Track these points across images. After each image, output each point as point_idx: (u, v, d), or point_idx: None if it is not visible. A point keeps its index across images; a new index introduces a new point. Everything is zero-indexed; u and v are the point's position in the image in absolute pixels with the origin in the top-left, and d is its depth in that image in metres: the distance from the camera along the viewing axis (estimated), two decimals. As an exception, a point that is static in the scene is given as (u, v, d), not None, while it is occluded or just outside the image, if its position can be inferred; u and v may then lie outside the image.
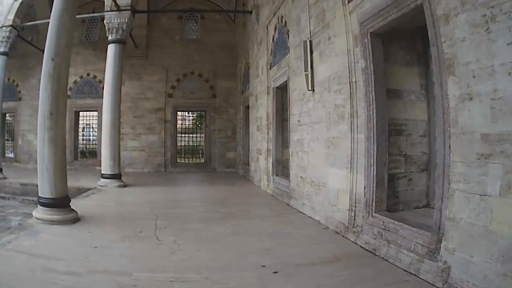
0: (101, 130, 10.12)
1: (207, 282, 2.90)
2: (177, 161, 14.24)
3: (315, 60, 5.26)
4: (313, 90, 5.33)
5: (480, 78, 2.44)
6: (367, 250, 3.66)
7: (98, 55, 12.64)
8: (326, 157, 4.89)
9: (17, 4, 10.70)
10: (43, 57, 4.95)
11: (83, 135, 14.83)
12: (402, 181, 3.97)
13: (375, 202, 3.73)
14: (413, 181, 4.04)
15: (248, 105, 10.96)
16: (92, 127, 14.84)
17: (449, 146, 2.70)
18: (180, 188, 9.72)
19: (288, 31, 6.71)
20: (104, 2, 9.40)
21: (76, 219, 4.87)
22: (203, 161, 14.40)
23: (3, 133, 14.11)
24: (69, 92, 12.76)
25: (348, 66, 4.22)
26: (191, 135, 15.25)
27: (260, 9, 9.26)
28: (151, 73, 13.75)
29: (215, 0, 13.75)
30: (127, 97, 13.03)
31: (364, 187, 3.87)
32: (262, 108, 8.83)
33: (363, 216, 3.88)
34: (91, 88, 13.69)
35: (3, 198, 9.49)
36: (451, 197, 2.66)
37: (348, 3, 4.24)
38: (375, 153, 3.74)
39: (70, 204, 4.99)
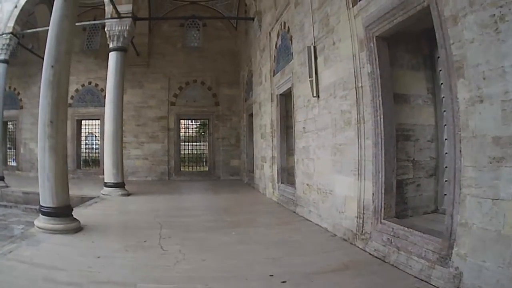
0: (103, 139, 10.09)
1: (213, 293, 2.82)
2: (181, 169, 14.20)
3: (320, 65, 5.22)
4: (318, 96, 5.28)
5: (490, 79, 2.40)
6: (376, 257, 3.59)
7: (100, 63, 12.65)
8: (333, 164, 4.82)
9: (17, 11, 10.71)
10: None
11: (85, 144, 14.84)
12: (410, 187, 3.90)
13: (384, 209, 3.66)
14: (422, 186, 3.96)
15: (252, 113, 10.92)
16: (95, 136, 14.87)
17: (460, 151, 2.65)
18: (184, 196, 9.65)
19: (291, 37, 6.69)
20: (104, 9, 9.42)
21: (78, 228, 4.81)
22: (207, 169, 14.34)
23: (5, 142, 14.14)
24: (71, 101, 12.86)
25: (354, 71, 4.18)
26: (195, 143, 15.21)
27: (263, 16, 9.26)
28: (153, 81, 13.75)
29: (217, 7, 13.80)
30: (130, 105, 13.03)
31: (373, 194, 3.80)
32: (266, 116, 8.79)
33: (371, 223, 3.81)
34: (93, 97, 13.73)
35: (6, 206, 9.50)
36: (462, 202, 2.62)
37: (353, 6, 4.21)
38: (383, 159, 3.68)
39: (72, 213, 4.93)
